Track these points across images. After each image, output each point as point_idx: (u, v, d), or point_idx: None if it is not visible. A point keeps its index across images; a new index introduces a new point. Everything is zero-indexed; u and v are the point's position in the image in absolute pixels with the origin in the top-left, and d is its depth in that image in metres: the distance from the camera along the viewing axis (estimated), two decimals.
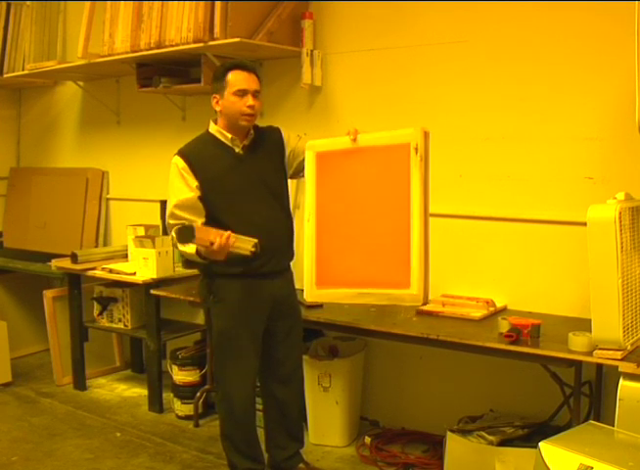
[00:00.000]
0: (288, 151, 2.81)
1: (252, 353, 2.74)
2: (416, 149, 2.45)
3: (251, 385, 2.79)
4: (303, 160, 2.69)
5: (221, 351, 2.73)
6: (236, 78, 2.63)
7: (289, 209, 2.85)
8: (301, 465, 2.94)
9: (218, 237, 2.41)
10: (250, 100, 2.63)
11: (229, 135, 2.68)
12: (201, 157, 2.68)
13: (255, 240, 2.50)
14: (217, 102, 2.68)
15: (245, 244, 2.50)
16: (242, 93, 2.63)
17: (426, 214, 2.48)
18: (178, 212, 2.65)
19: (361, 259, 2.57)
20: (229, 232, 2.44)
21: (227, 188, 2.67)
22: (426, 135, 2.48)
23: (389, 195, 2.54)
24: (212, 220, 2.65)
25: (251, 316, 2.70)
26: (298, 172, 2.84)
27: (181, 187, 2.65)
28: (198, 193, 2.64)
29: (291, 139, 2.82)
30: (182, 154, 2.69)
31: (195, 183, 2.64)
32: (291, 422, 2.91)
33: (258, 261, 2.66)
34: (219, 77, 2.67)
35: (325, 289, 2.61)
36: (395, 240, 2.50)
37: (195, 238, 2.40)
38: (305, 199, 2.66)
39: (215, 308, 2.72)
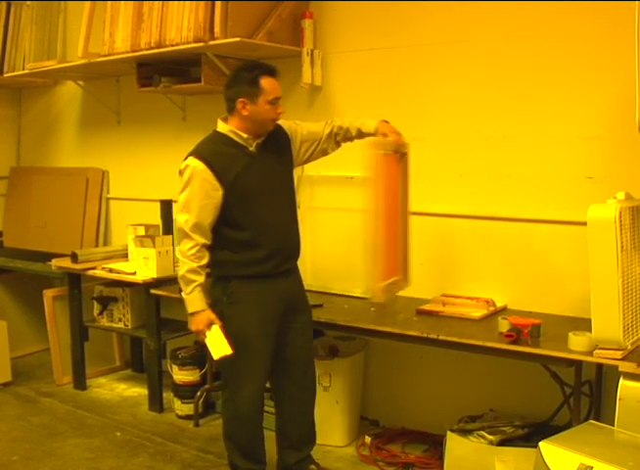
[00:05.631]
0: (297, 142, 2.81)
1: (266, 355, 2.72)
2: (402, 156, 2.73)
3: (261, 386, 2.76)
4: (312, 143, 2.81)
5: (235, 352, 2.66)
6: (271, 86, 2.61)
7: (296, 207, 2.84)
8: (312, 466, 2.93)
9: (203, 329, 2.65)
10: (280, 107, 2.66)
11: (245, 135, 2.65)
12: (219, 157, 2.63)
13: (229, 352, 2.62)
14: (244, 107, 2.61)
15: (217, 348, 2.65)
16: (275, 101, 2.63)
17: (407, 211, 2.79)
18: (201, 221, 2.59)
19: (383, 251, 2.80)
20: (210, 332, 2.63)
21: (244, 188, 2.63)
22: (405, 146, 2.76)
23: (390, 194, 2.76)
24: (226, 222, 2.64)
25: (266, 316, 2.69)
26: (308, 158, 2.88)
27: (201, 193, 2.58)
28: (220, 198, 2.60)
29: (292, 129, 2.81)
30: (200, 155, 2.62)
31: (218, 186, 2.59)
32: (307, 421, 2.90)
33: (275, 261, 2.67)
34: (251, 82, 2.59)
35: (384, 281, 2.78)
36: (389, 233, 2.75)
37: None
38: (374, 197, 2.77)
39: (229, 310, 2.67)
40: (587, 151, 2.86)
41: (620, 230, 2.27)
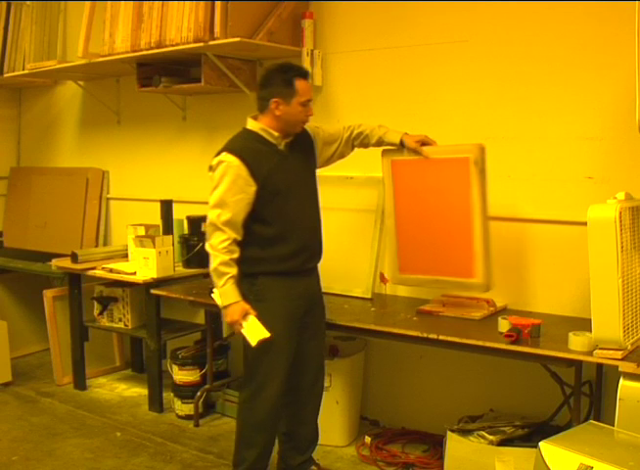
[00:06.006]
0: (320, 144, 2.85)
1: (289, 353, 2.71)
2: (475, 161, 2.77)
3: (282, 386, 2.72)
4: (332, 146, 2.87)
5: (261, 350, 2.63)
6: (304, 88, 2.64)
7: (320, 207, 2.85)
8: (313, 467, 2.93)
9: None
10: (310, 109, 2.69)
11: (276, 134, 2.67)
12: (252, 154, 2.63)
13: (267, 335, 2.59)
14: (278, 107, 2.62)
15: (254, 335, 2.60)
16: (307, 102, 2.66)
17: (485, 215, 2.81)
18: (234, 216, 2.59)
19: (435, 251, 2.94)
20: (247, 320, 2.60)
21: (276, 185, 2.64)
22: (483, 150, 2.80)
23: (453, 198, 2.86)
24: (256, 218, 2.64)
25: (290, 314, 2.69)
26: (328, 160, 2.92)
27: (235, 188, 2.58)
28: (253, 194, 2.60)
29: (314, 131, 2.85)
30: (234, 151, 2.61)
31: (252, 182, 2.59)
32: (313, 423, 2.90)
33: (302, 258, 2.70)
34: (286, 83, 2.61)
35: (406, 275, 3.04)
36: (460, 236, 2.86)
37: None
38: (385, 199, 3.07)
39: (255, 308, 2.64)
40: (587, 151, 2.86)
41: (620, 230, 2.27)
